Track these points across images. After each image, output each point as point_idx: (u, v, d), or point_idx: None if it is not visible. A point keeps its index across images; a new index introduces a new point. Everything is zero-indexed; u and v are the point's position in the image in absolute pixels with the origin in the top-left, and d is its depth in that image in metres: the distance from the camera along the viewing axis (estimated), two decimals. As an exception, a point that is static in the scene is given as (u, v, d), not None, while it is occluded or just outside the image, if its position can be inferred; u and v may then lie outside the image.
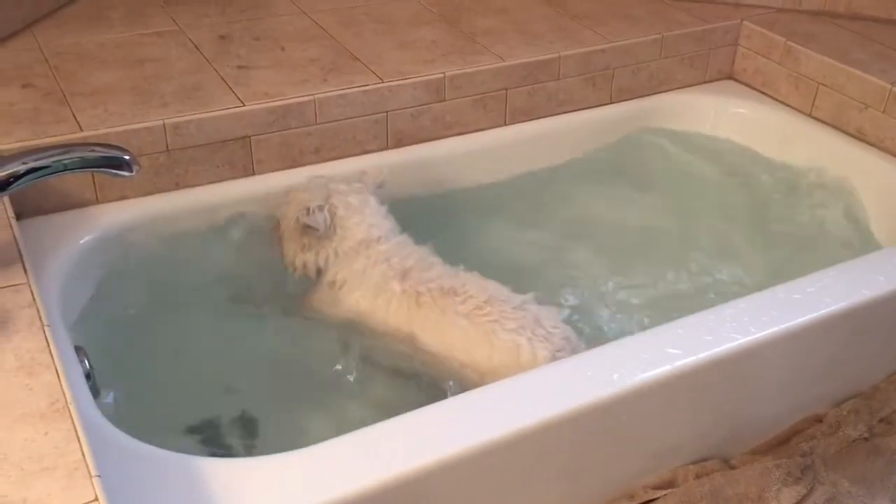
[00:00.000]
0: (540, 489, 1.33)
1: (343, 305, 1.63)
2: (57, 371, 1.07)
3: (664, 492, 1.41)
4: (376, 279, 1.60)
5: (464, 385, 1.45)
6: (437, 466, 1.19)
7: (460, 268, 1.62)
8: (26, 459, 0.95)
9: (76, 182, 1.66)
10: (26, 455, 0.95)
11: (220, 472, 1.14)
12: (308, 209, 1.64)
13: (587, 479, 1.39)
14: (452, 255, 1.68)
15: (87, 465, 0.95)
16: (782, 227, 2.01)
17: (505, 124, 2.08)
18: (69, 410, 1.02)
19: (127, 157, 1.23)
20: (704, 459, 1.48)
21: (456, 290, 1.53)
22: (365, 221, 1.66)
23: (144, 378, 1.53)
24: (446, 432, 1.22)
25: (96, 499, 0.91)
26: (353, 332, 1.61)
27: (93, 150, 1.22)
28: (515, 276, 1.65)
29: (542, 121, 2.12)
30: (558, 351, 1.44)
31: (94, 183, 1.68)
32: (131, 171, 1.24)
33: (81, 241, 1.63)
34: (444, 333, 1.50)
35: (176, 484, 1.12)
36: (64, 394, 1.04)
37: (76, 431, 0.99)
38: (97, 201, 1.70)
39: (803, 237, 1.96)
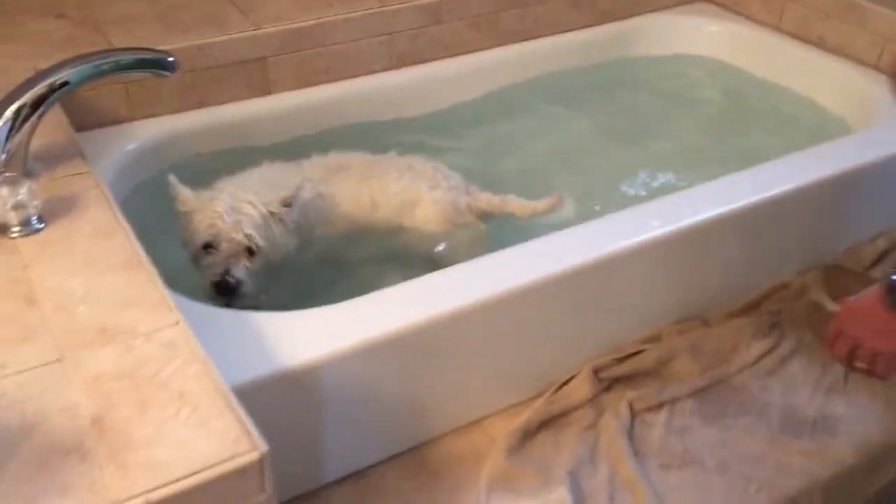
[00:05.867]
0: (539, 340, 1.52)
1: None
2: (126, 233, 1.25)
3: (649, 345, 1.61)
4: None
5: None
6: (450, 317, 1.37)
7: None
8: (116, 299, 1.12)
9: (111, 100, 1.82)
10: (115, 296, 1.13)
11: (272, 323, 1.32)
12: None
13: (581, 334, 1.58)
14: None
15: (166, 301, 1.13)
16: (757, 133, 2.21)
17: (497, 45, 2.26)
18: (143, 262, 1.20)
19: (171, 59, 1.40)
20: (686, 320, 1.68)
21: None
22: None
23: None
24: (458, 289, 1.40)
25: (178, 322, 1.09)
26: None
27: (144, 52, 1.39)
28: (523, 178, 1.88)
29: (531, 42, 2.30)
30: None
31: (128, 100, 1.84)
32: (173, 72, 1.41)
33: (116, 154, 1.79)
34: None
35: (237, 333, 1.29)
36: (136, 249, 1.22)
37: (152, 277, 1.17)
38: (130, 119, 1.87)
39: (777, 134, 2.15)
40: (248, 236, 1.54)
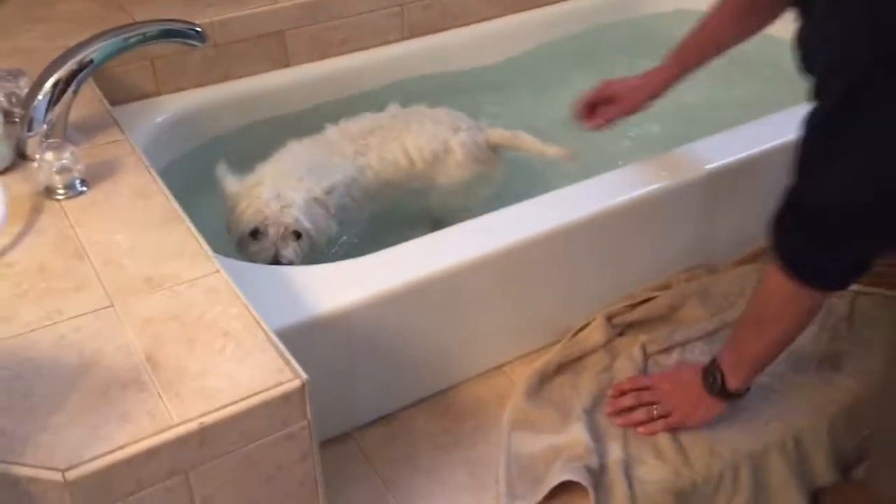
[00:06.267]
0: (556, 289, 1.60)
1: None
2: (164, 193, 1.34)
3: (660, 292, 1.68)
4: None
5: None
6: (470, 266, 1.45)
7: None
8: (158, 252, 1.21)
9: (139, 76, 1.91)
10: (157, 249, 1.21)
11: (303, 275, 1.41)
12: None
13: (595, 283, 1.65)
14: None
15: (204, 252, 1.21)
16: (759, 87, 2.26)
17: (505, 14, 2.33)
18: (181, 219, 1.28)
19: (199, 29, 1.48)
20: (694, 269, 1.76)
21: None
22: None
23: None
24: (477, 240, 1.48)
25: (217, 270, 1.17)
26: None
27: (171, 23, 1.47)
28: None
29: (540, 9, 2.36)
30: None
31: (154, 76, 1.92)
32: (202, 42, 1.49)
33: (146, 126, 1.87)
34: None
35: (271, 284, 1.38)
36: (173, 207, 1.30)
37: (190, 231, 1.25)
38: (157, 94, 1.95)
39: (778, 87, 2.20)
40: (295, 220, 1.57)
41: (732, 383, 1.40)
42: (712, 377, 1.41)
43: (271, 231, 1.58)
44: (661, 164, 1.66)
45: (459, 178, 1.84)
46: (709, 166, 1.66)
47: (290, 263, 1.56)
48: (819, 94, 1.17)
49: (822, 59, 1.16)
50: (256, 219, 1.58)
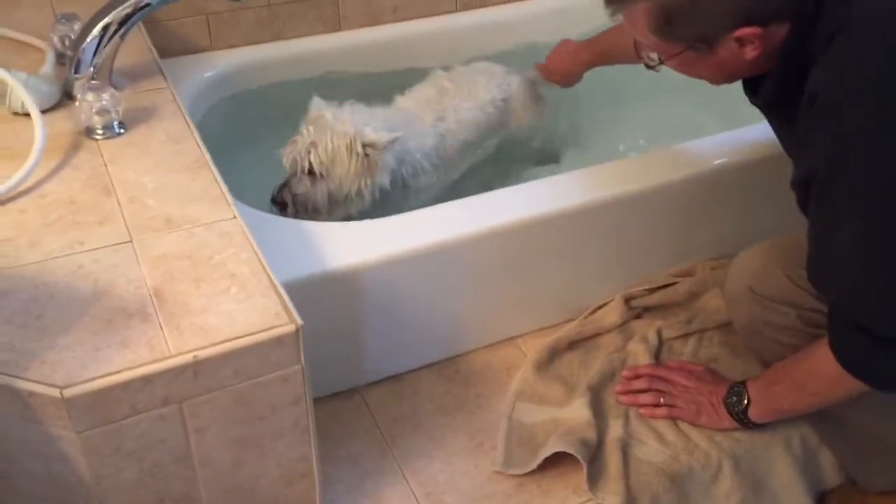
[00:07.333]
0: (575, 267, 1.61)
1: None
2: (196, 141, 1.39)
3: (682, 278, 1.67)
4: None
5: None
6: (486, 236, 1.47)
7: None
8: (182, 194, 1.26)
9: (193, 30, 1.96)
10: (182, 192, 1.26)
11: (322, 231, 1.44)
12: None
13: (616, 264, 1.65)
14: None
15: (226, 198, 1.26)
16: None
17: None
18: (208, 166, 1.33)
19: (246, -18, 1.52)
20: (719, 258, 1.74)
21: None
22: None
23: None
24: (496, 210, 1.49)
25: (235, 217, 1.22)
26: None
27: (219, -23, 1.51)
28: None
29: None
30: None
31: (208, 31, 1.98)
32: (248, -3, 1.54)
33: (196, 79, 1.93)
34: None
35: (289, 238, 1.41)
36: (203, 155, 1.35)
37: (215, 178, 1.30)
38: (210, 49, 2.00)
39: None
40: (306, 161, 1.60)
41: (755, 415, 1.39)
42: (737, 397, 1.40)
43: (289, 167, 1.65)
44: (692, 151, 1.65)
45: (525, 117, 1.95)
46: (742, 156, 1.64)
47: (284, 203, 1.64)
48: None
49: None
50: (284, 151, 1.65)
